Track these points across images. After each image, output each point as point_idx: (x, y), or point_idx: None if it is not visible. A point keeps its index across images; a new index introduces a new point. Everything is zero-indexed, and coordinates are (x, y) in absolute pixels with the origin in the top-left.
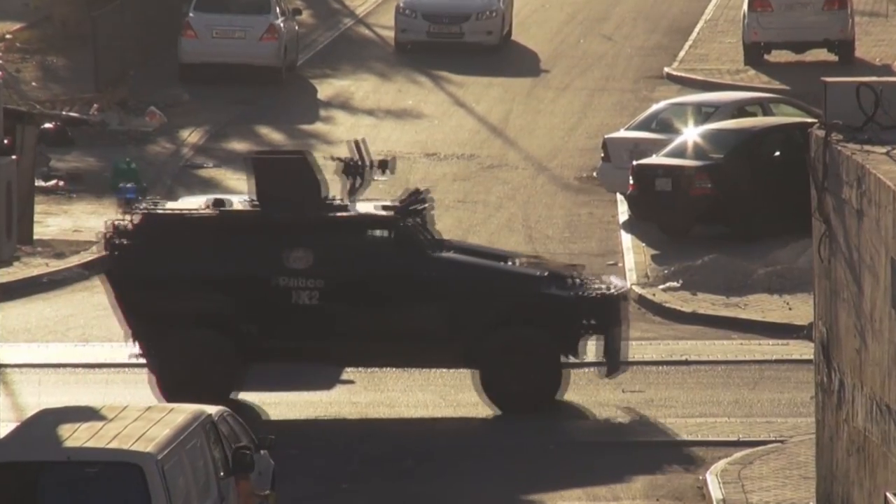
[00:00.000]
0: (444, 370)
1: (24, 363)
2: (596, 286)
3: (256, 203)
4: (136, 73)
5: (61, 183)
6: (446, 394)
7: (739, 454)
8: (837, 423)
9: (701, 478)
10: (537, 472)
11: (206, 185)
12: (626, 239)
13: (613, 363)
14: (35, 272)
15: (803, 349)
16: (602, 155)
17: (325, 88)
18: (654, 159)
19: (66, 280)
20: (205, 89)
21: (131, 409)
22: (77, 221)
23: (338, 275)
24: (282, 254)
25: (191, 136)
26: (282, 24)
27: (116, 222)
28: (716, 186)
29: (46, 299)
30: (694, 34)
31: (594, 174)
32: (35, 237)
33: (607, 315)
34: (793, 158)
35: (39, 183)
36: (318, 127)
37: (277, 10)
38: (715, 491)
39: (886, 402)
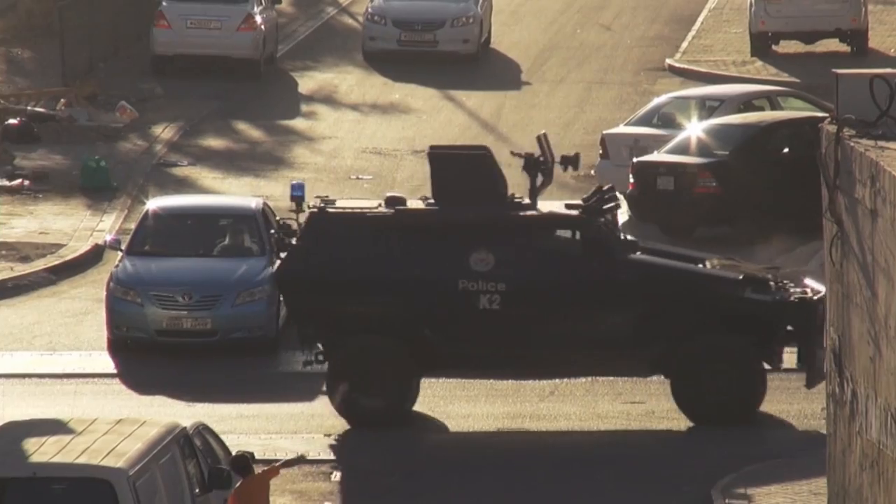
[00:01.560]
0: (434, 380)
1: None
2: (795, 290)
3: (434, 201)
4: (106, 65)
5: (26, 182)
6: (435, 405)
7: (746, 469)
8: (850, 435)
9: (706, 494)
10: (526, 488)
11: (181, 185)
12: None
13: (815, 372)
14: None
15: None
16: (600, 152)
17: (307, 82)
18: (656, 156)
19: (31, 285)
20: (179, 83)
21: (101, 422)
22: (43, 223)
23: (522, 278)
24: (463, 255)
25: (164, 132)
26: (260, 14)
27: (283, 222)
28: (721, 185)
29: (11, 305)
30: (697, 23)
31: (592, 172)
32: None
33: (807, 320)
34: (802, 155)
35: (3, 182)
36: (299, 123)
37: None
38: None
39: None
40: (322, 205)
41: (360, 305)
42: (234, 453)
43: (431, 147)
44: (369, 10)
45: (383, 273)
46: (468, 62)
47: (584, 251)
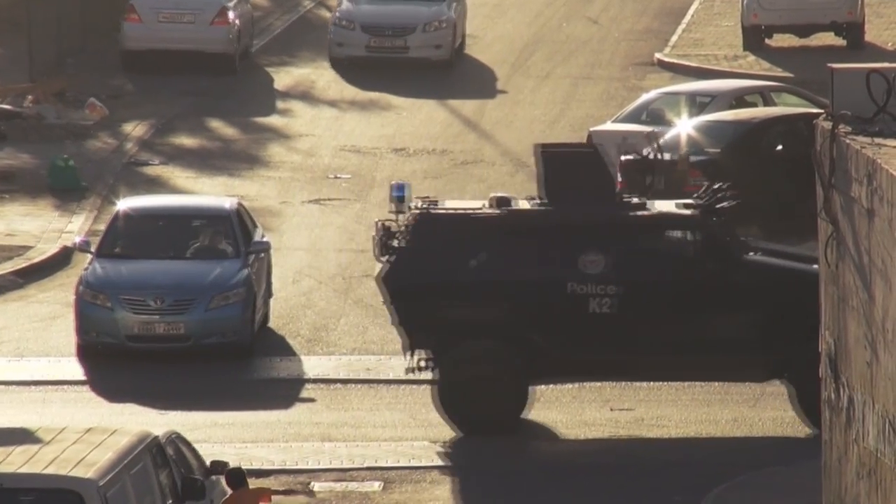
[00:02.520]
0: (415, 386)
1: None
2: None
3: (544, 201)
4: (75, 61)
5: None
6: (416, 412)
7: (739, 478)
8: (846, 443)
9: None
10: (506, 495)
11: (153, 184)
12: None
13: None
14: None
15: None
16: None
17: (283, 77)
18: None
19: None
20: (150, 79)
21: (70, 431)
22: (10, 224)
23: (637, 280)
24: (574, 257)
25: (135, 130)
26: (234, 7)
27: (387, 223)
28: (712, 184)
29: None
30: (688, 17)
31: None
32: None
33: None
34: (797, 153)
35: None
36: (275, 120)
37: None
38: None
39: None
40: (427, 206)
41: (468, 309)
42: (230, 465)
43: (542, 145)
44: (337, 14)
45: (492, 275)
46: (441, 69)
47: (700, 252)
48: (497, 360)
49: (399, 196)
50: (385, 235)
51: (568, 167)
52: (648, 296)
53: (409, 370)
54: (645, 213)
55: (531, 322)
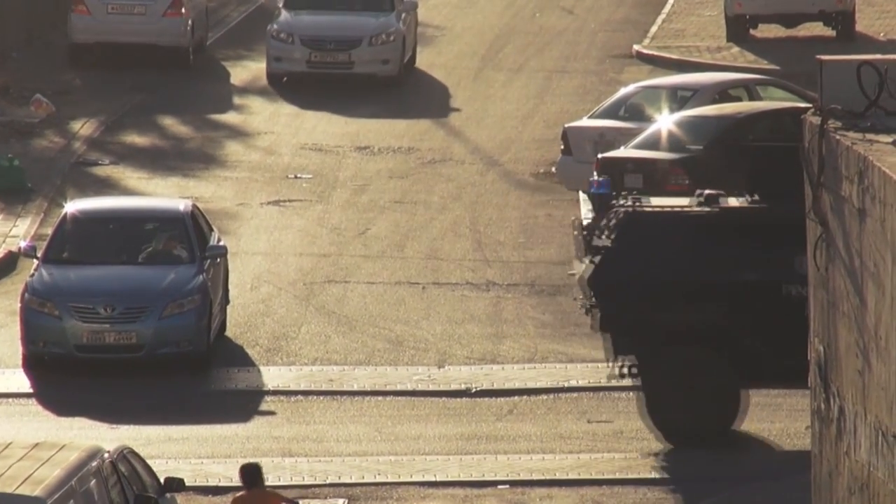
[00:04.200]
0: (381, 398)
1: None
2: None
3: (756, 198)
4: (19, 55)
5: None
6: (382, 426)
7: (726, 493)
8: (837, 456)
9: None
10: None
11: (102, 185)
12: None
13: None
14: None
15: None
16: (562, 147)
17: (240, 72)
18: (623, 152)
19: None
20: (99, 74)
21: (16, 447)
22: None
23: None
24: (791, 258)
25: (83, 128)
26: None
27: (589, 222)
28: (694, 183)
29: None
30: (668, 6)
31: (553, 169)
32: None
33: None
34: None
35: None
36: (232, 117)
37: None
38: None
39: (894, 432)
40: (635, 204)
41: (678, 313)
42: (245, 462)
43: (752, 139)
44: (274, 26)
45: (704, 277)
46: (388, 86)
47: None
48: (709, 366)
49: (602, 193)
50: (588, 234)
51: (779, 163)
52: None
53: (612, 377)
54: None
55: (744, 326)
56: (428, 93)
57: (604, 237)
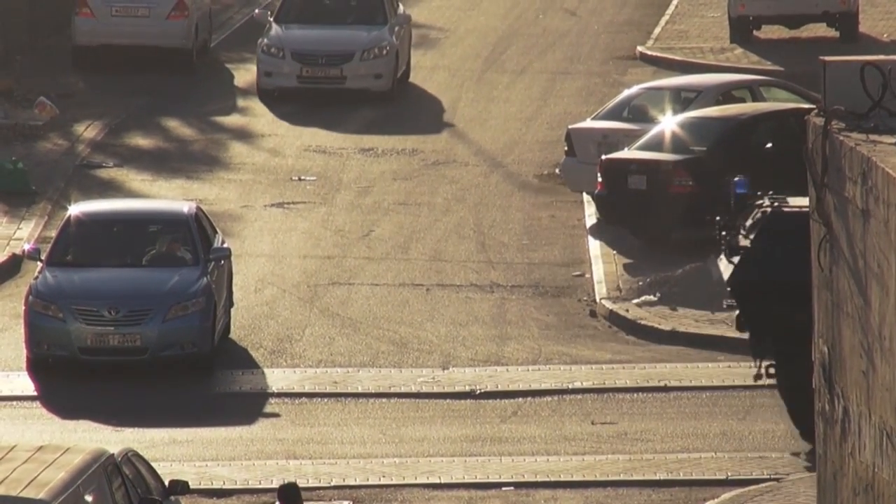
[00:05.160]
0: (385, 400)
1: None
2: None
3: None
4: (23, 58)
5: None
6: (387, 428)
7: (728, 495)
8: (842, 457)
9: None
10: None
11: (106, 188)
12: (595, 246)
13: None
14: None
15: None
16: (565, 149)
17: (243, 74)
18: (626, 153)
19: None
20: (103, 76)
21: (20, 450)
22: None
23: None
24: None
25: (87, 130)
26: (192, 0)
27: (724, 221)
28: (698, 184)
29: None
30: (671, 7)
31: (556, 171)
32: None
33: None
34: (787, 150)
35: None
36: (236, 119)
37: None
38: None
39: None
40: (774, 204)
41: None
42: (283, 483)
43: None
44: (265, 41)
45: None
46: (381, 101)
47: None
48: None
49: (743, 192)
50: (733, 234)
51: None
52: None
53: (757, 378)
54: None
55: None
56: (420, 105)
57: (742, 237)
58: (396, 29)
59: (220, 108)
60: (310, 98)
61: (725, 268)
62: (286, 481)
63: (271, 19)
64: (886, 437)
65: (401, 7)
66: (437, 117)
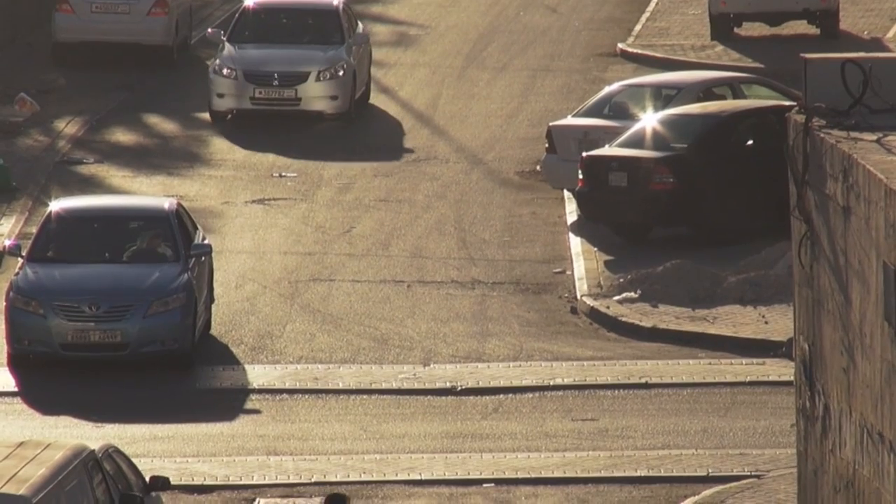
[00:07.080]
0: (366, 396)
1: None
2: None
3: None
4: (3, 54)
5: None
6: (367, 424)
7: (709, 492)
8: (822, 454)
9: None
10: None
11: (87, 184)
12: (576, 243)
13: None
14: None
15: (782, 369)
16: (546, 146)
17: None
18: (607, 150)
19: None
20: (83, 73)
21: (1, 446)
22: None
23: None
24: None
25: (68, 126)
26: None
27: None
28: (678, 181)
29: None
30: (652, 5)
31: (537, 168)
32: None
33: None
34: (768, 148)
35: None
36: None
37: None
38: None
39: (879, 430)
40: None
41: None
42: (329, 494)
43: None
44: (217, 61)
45: None
46: (339, 124)
47: None
48: None
49: None
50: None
51: None
52: None
53: None
54: None
55: None
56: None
57: None
58: (354, 49)
59: (201, 104)
60: (264, 120)
61: None
62: (334, 492)
63: (224, 38)
64: (867, 434)
65: (360, 26)
66: (396, 141)
